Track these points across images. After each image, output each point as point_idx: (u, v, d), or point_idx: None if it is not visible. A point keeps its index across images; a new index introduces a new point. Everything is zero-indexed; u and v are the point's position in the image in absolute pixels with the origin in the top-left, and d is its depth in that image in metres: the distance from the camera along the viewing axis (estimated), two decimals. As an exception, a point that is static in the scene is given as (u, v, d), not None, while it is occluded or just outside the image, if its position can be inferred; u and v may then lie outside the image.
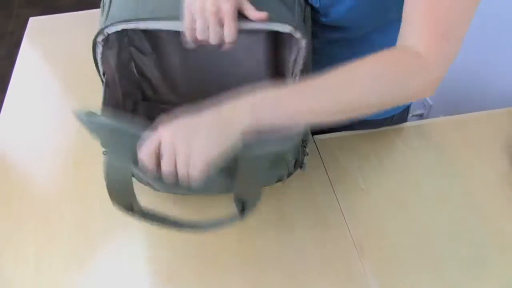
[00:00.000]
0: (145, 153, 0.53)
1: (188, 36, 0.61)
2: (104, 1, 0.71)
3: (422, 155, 0.88)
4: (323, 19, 0.79)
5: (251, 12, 0.60)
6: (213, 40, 0.59)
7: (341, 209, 0.79)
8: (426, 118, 1.72)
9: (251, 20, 0.61)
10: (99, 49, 0.69)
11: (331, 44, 0.83)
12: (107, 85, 0.71)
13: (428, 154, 0.88)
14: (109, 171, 0.58)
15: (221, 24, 0.59)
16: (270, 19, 0.61)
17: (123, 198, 0.60)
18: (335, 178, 0.84)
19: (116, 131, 0.56)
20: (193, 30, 0.60)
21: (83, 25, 1.27)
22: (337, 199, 0.81)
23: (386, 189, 0.82)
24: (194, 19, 0.59)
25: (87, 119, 0.58)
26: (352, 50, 0.81)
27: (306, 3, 0.76)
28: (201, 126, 0.52)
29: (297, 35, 0.64)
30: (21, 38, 1.24)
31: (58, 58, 1.16)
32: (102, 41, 0.68)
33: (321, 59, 0.87)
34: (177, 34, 0.80)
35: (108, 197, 0.62)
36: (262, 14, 0.60)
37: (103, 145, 0.61)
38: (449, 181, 0.84)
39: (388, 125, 0.93)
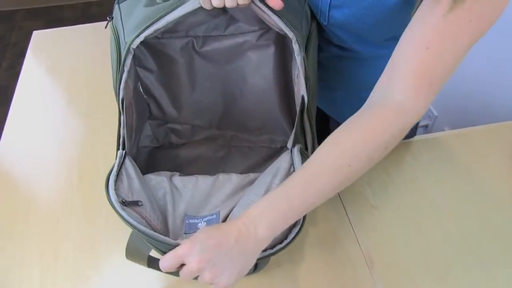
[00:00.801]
0: (165, 267, 0.57)
1: (205, 6, 0.61)
2: (116, 26, 0.70)
3: (432, 169, 0.87)
4: (331, 38, 0.79)
5: None
6: (228, 1, 0.59)
7: (351, 225, 0.78)
8: (431, 128, 1.72)
9: (265, 6, 0.62)
10: (124, 75, 0.67)
11: (339, 59, 0.82)
12: (124, 111, 0.70)
13: (437, 169, 0.87)
14: (130, 246, 0.61)
15: None
16: (282, 16, 0.62)
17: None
18: (345, 194, 0.83)
19: (144, 233, 0.61)
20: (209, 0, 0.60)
21: (86, 38, 1.27)
22: (347, 215, 0.80)
23: (396, 205, 0.81)
24: None
25: (120, 212, 0.63)
26: (360, 66, 0.81)
27: (313, 17, 0.75)
28: (226, 256, 0.55)
29: (295, 47, 0.65)
30: (24, 50, 1.24)
31: (62, 72, 1.16)
32: (129, 64, 0.67)
33: (331, 74, 0.86)
34: (183, 51, 0.79)
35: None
36: (280, 3, 0.61)
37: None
38: (459, 195, 0.83)
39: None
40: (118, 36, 0.70)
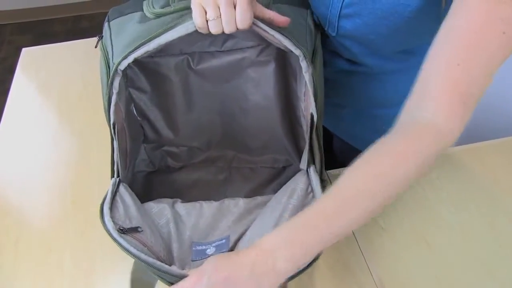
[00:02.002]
0: None
1: (201, 31, 0.57)
2: (105, 45, 0.67)
3: (442, 187, 0.84)
4: (339, 51, 0.75)
5: (272, 14, 0.58)
6: (227, 27, 0.55)
7: (360, 249, 0.75)
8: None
9: (269, 26, 0.58)
10: (114, 98, 0.63)
11: (347, 74, 0.79)
12: (117, 135, 0.67)
13: (447, 186, 0.84)
14: (135, 278, 0.60)
15: (233, 9, 0.55)
16: (288, 34, 0.59)
17: None
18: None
19: (146, 262, 0.57)
20: (205, 25, 0.56)
21: (77, 55, 1.24)
22: (355, 239, 0.76)
23: (405, 225, 0.78)
24: (205, 11, 0.55)
25: (118, 241, 0.58)
26: (370, 82, 0.77)
27: (316, 30, 0.72)
28: None
29: (303, 64, 0.61)
30: (14, 65, 1.21)
31: (53, 90, 1.12)
32: (117, 86, 0.63)
33: (338, 90, 0.83)
34: (178, 69, 0.76)
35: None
36: (286, 18, 0.57)
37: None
38: (471, 212, 0.80)
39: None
40: (108, 56, 0.67)
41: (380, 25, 0.64)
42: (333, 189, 0.54)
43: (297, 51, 0.60)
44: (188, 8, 0.59)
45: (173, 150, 0.85)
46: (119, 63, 0.60)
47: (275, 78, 0.77)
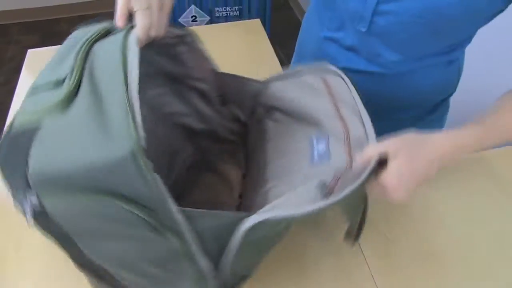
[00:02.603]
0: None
1: (119, 22, 0.55)
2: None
3: (447, 196, 0.83)
4: (359, 48, 0.73)
5: None
6: (155, 32, 0.55)
7: (365, 258, 0.74)
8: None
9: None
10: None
11: (357, 74, 0.77)
12: None
13: (453, 195, 0.83)
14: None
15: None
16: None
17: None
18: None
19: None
20: (125, 18, 0.55)
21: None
22: (360, 248, 0.75)
23: (411, 236, 0.77)
24: (132, 10, 0.54)
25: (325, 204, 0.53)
26: (381, 83, 0.75)
27: None
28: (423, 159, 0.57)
29: (190, 38, 0.67)
30: (20, 65, 1.20)
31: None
32: None
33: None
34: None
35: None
36: None
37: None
38: (479, 224, 0.79)
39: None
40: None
41: (416, 23, 0.63)
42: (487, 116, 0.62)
43: (186, 32, 0.66)
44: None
45: None
46: (136, 133, 0.44)
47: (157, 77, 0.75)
